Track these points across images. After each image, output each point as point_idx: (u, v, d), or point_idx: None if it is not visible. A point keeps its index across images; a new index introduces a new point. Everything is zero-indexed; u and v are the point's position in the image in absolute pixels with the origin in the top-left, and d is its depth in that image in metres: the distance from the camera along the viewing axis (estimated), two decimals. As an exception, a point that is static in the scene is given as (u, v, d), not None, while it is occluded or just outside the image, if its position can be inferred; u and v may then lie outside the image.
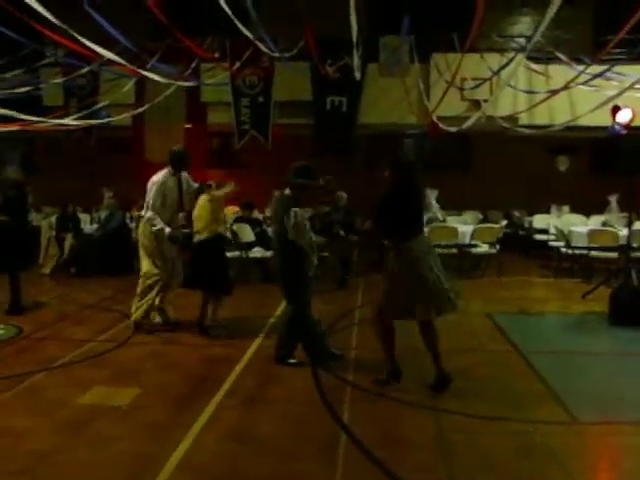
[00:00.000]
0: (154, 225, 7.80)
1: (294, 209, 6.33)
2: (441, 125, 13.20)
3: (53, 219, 13.08)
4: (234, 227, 11.71)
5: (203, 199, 7.76)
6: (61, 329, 8.27)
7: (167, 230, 7.80)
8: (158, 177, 7.89)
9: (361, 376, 6.24)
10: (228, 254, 11.65)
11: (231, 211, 14.96)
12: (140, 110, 13.27)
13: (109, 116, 13.41)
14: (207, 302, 7.85)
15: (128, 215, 13.26)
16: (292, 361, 6.64)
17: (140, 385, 6.00)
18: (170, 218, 7.89)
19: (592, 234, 11.74)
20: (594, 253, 11.74)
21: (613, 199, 12.85)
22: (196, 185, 8.10)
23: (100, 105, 13.24)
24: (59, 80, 13.72)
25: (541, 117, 13.50)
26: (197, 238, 7.73)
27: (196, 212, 7.80)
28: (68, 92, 14.95)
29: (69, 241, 12.61)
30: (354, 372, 6.42)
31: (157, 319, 8.21)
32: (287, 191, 6.50)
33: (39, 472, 4.28)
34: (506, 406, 5.49)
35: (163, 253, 7.98)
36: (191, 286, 7.83)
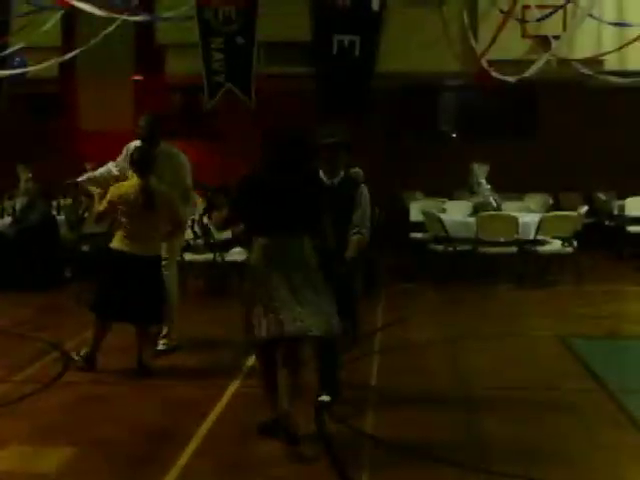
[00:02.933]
0: None
1: None
2: (494, 73, 13.18)
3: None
4: (205, 220, 11.70)
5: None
6: (-38, 365, 8.28)
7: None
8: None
9: (384, 424, 6.25)
10: (199, 257, 11.76)
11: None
12: (70, 56, 13.23)
13: (25, 64, 13.38)
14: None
15: (55, 204, 13.24)
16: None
17: (74, 443, 5.98)
18: None
19: None
20: None
21: None
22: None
23: (12, 49, 13.23)
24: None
25: (636, 60, 13.48)
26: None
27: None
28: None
29: (-30, 242, 12.62)
30: (374, 419, 6.45)
31: None
32: None
33: None
34: (590, 470, 5.47)
35: None
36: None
